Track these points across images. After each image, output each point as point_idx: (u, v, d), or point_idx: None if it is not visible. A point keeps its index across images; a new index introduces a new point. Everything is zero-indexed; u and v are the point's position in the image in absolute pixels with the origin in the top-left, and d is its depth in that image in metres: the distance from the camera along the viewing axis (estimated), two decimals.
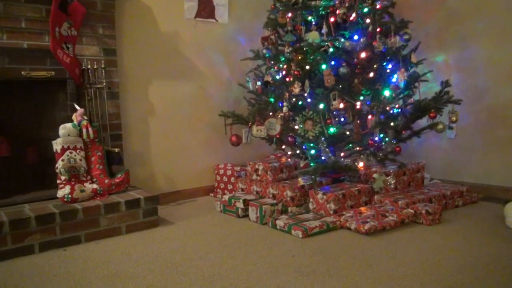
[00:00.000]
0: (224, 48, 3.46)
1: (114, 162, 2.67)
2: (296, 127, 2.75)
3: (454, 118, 2.75)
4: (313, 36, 2.67)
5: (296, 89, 2.68)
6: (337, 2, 2.68)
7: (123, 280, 1.78)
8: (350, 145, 2.83)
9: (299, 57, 2.76)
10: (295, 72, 2.71)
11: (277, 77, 2.90)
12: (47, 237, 2.15)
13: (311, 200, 2.64)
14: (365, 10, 2.69)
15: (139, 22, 3.00)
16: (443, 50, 3.28)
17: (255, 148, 3.66)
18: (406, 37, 2.70)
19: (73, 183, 2.40)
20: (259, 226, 2.51)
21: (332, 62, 2.68)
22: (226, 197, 2.81)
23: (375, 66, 2.74)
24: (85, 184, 2.44)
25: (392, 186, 2.84)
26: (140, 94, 3.04)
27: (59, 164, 2.39)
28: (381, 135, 2.70)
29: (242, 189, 3.04)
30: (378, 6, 2.72)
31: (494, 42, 2.99)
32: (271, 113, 2.85)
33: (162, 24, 3.10)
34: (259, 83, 3.11)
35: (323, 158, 2.72)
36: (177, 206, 3.07)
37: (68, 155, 2.41)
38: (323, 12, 2.81)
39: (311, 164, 2.77)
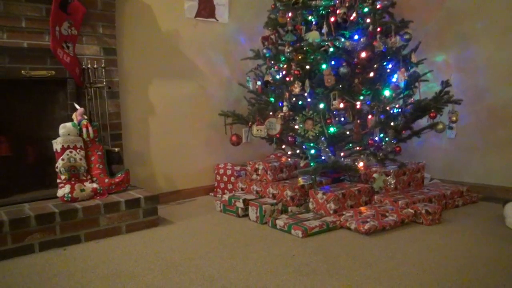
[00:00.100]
0: (224, 48, 3.45)
1: (114, 161, 2.67)
2: (296, 126, 2.75)
3: (454, 118, 2.75)
4: (313, 36, 2.67)
5: (296, 89, 2.68)
6: (337, 1, 2.68)
7: (123, 279, 1.78)
8: (350, 145, 2.84)
9: (299, 57, 2.76)
10: (295, 72, 2.71)
11: (277, 76, 2.90)
12: (47, 237, 2.15)
13: (311, 199, 2.64)
14: (366, 10, 2.69)
15: (139, 21, 3.00)
16: (443, 50, 3.28)
17: (255, 147, 3.66)
18: (406, 37, 2.70)
19: (73, 182, 2.40)
20: (259, 226, 2.51)
21: (332, 62, 2.68)
22: (226, 197, 2.81)
23: (375, 66, 2.74)
24: (85, 183, 2.44)
25: (392, 186, 2.84)
26: (140, 93, 3.04)
27: (59, 164, 2.39)
28: (381, 135, 2.70)
29: (242, 189, 3.04)
30: (378, 6, 2.72)
31: (494, 42, 2.99)
32: (271, 113, 2.85)
33: (162, 23, 3.10)
34: (259, 82, 3.11)
35: (323, 157, 2.72)
36: (177, 206, 3.07)
37: (68, 155, 2.41)
38: (323, 12, 2.81)
39: (311, 163, 2.77)
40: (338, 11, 2.64)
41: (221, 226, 2.53)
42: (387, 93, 2.70)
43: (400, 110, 2.78)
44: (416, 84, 2.83)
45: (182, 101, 3.25)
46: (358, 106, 2.68)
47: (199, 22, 3.30)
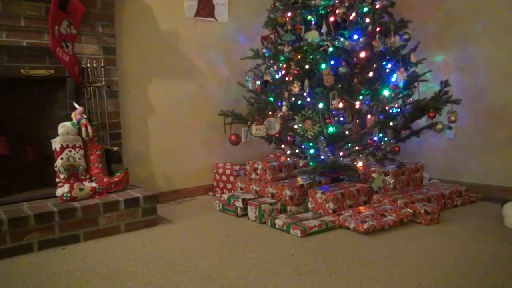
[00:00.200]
0: (223, 47, 3.45)
1: (113, 160, 2.67)
2: (295, 126, 2.75)
3: (453, 118, 2.76)
4: (312, 36, 2.67)
5: (296, 89, 2.68)
6: (336, 1, 2.68)
7: (122, 278, 1.78)
8: (349, 144, 2.84)
9: (299, 57, 2.76)
10: (295, 72, 2.71)
11: (277, 76, 2.90)
12: (46, 236, 2.15)
13: (310, 199, 2.64)
14: (365, 9, 2.69)
15: (138, 20, 2.99)
16: (442, 50, 3.28)
17: (254, 147, 3.66)
18: (405, 36, 2.71)
19: (72, 181, 2.40)
20: (258, 225, 2.51)
21: (332, 62, 2.68)
22: (225, 196, 2.81)
23: (374, 65, 2.74)
24: (84, 182, 2.44)
25: (391, 186, 2.84)
26: (139, 92, 3.04)
27: (58, 163, 2.39)
28: (380, 135, 2.70)
29: (241, 188, 3.04)
30: (377, 6, 2.72)
31: (494, 42, 2.99)
32: (270, 113, 2.85)
33: (161, 23, 3.10)
34: (258, 82, 3.11)
35: (322, 157, 2.72)
36: (176, 205, 3.07)
37: (67, 154, 2.41)
38: (322, 12, 2.81)
39: (310, 163, 2.77)
40: (337, 11, 2.64)
41: (220, 225, 2.53)
42: (386, 93, 2.70)
43: (399, 110, 2.78)
44: (415, 84, 2.84)
45: (181, 100, 3.25)
46: (357, 106, 2.68)
47: (199, 21, 3.30)
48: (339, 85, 2.65)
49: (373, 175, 2.79)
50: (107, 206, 2.34)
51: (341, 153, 2.89)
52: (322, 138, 2.65)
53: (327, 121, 2.65)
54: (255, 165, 2.98)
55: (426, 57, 3.16)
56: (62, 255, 2.07)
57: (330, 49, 2.63)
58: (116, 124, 2.87)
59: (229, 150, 3.47)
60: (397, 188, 2.89)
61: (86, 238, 2.28)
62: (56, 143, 2.41)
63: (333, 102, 2.57)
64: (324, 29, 2.66)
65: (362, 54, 2.60)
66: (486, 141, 3.08)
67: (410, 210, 2.45)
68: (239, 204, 2.70)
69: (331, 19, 2.67)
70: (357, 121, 2.66)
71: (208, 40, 3.36)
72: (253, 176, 3.01)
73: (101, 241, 2.27)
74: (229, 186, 3.24)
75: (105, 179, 2.53)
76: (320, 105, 2.68)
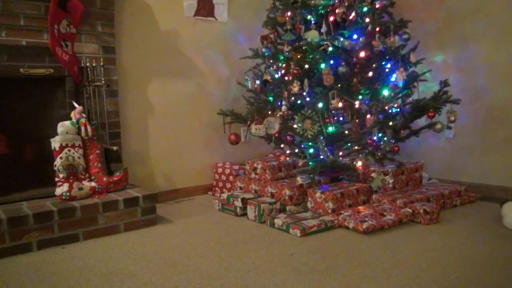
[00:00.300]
0: (223, 47, 3.45)
1: (112, 160, 2.67)
2: (295, 126, 2.75)
3: (452, 118, 2.76)
4: (312, 35, 2.67)
5: (295, 88, 2.68)
6: (336, 1, 2.68)
7: (121, 278, 1.78)
8: (349, 144, 2.84)
9: (298, 56, 2.76)
10: (294, 71, 2.71)
11: (276, 76, 2.90)
12: (45, 235, 2.15)
13: (309, 199, 2.64)
14: (365, 9, 2.69)
15: (138, 20, 2.99)
16: (442, 49, 3.29)
17: (254, 146, 3.66)
18: (405, 36, 2.71)
19: (71, 181, 2.40)
20: (257, 225, 2.51)
21: (331, 61, 2.68)
22: (224, 196, 2.81)
23: (374, 65, 2.74)
24: (83, 182, 2.44)
25: (390, 185, 2.85)
26: (139, 92, 3.04)
27: (58, 162, 2.39)
28: (380, 135, 2.70)
29: (241, 188, 3.04)
30: (377, 6, 2.72)
31: (493, 42, 2.99)
32: (270, 112, 2.85)
33: (161, 22, 3.10)
34: (258, 81, 3.11)
35: (321, 157, 2.72)
36: (175, 205, 3.07)
37: (66, 153, 2.41)
38: (322, 11, 2.81)
39: (310, 163, 2.77)
40: (337, 11, 2.64)
41: (220, 225, 2.53)
42: (385, 92, 2.70)
43: (398, 109, 2.78)
44: (415, 83, 2.84)
45: (181, 100, 3.25)
46: (356, 106, 2.68)
47: (198, 21, 3.30)
48: (339, 85, 2.65)
49: (373, 174, 2.79)
50: (106, 206, 2.34)
51: (340, 153, 2.89)
52: (321, 137, 2.65)
53: (327, 120, 2.65)
54: (255, 165, 2.98)
55: (425, 57, 3.16)
56: (61, 254, 2.07)
57: (330, 48, 2.63)
58: (116, 124, 2.87)
59: (228, 150, 3.47)
60: (397, 188, 2.89)
61: (86, 238, 2.28)
62: (55, 142, 2.41)
63: (332, 101, 2.57)
64: (323, 29, 2.66)
65: (362, 54, 2.60)
66: (485, 141, 3.08)
67: (410, 210, 2.45)
68: (238, 203, 2.70)
69: (331, 18, 2.67)
70: (357, 120, 2.66)
71: (208, 39, 3.36)
72: (253, 175, 3.01)
73: (101, 240, 2.27)
74: (228, 185, 3.24)
75: (105, 179, 2.53)
76: (320, 105, 2.68)
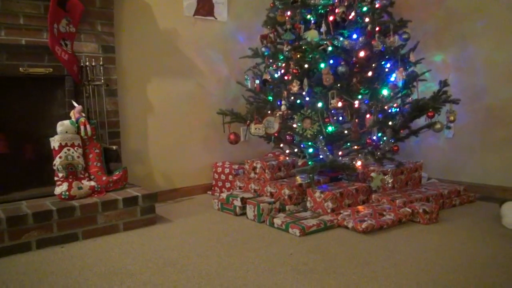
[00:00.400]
0: (223, 46, 3.45)
1: (112, 159, 2.67)
2: (295, 125, 2.75)
3: (452, 118, 2.76)
4: (312, 35, 2.67)
5: (295, 88, 2.68)
6: (336, 1, 2.68)
7: (120, 277, 1.78)
8: (348, 144, 2.84)
9: (298, 56, 2.76)
10: (294, 71, 2.71)
11: (276, 75, 2.90)
12: (45, 234, 2.15)
13: (308, 198, 2.64)
14: (364, 9, 2.69)
15: (138, 19, 2.99)
16: (441, 49, 3.29)
17: (253, 146, 3.66)
18: (405, 36, 2.71)
19: (70, 180, 2.40)
20: (257, 224, 2.51)
21: (331, 61, 2.68)
22: (223, 195, 2.81)
23: (373, 65, 2.74)
24: (82, 181, 2.44)
25: (389, 185, 2.85)
26: (138, 91, 3.04)
27: (57, 161, 2.38)
28: (379, 134, 2.70)
29: (240, 187, 3.04)
30: (377, 5, 2.72)
31: (493, 42, 2.99)
32: (269, 112, 2.85)
33: (161, 21, 3.10)
34: (257, 81, 3.11)
35: (321, 156, 2.72)
36: (175, 204, 3.07)
37: (65, 152, 2.41)
38: (322, 11, 2.81)
39: (309, 162, 2.77)
40: (337, 10, 2.64)
41: (219, 224, 2.53)
42: (385, 92, 2.71)
43: (398, 109, 2.78)
44: (414, 83, 2.84)
45: (180, 99, 3.25)
46: (356, 105, 2.68)
47: (198, 20, 3.30)
48: (338, 85, 2.65)
49: (372, 174, 2.80)
50: (105, 205, 2.34)
51: (340, 153, 2.89)
52: (321, 137, 2.65)
53: (326, 120, 2.65)
54: (254, 164, 2.98)
55: (425, 56, 3.16)
56: (60, 253, 2.07)
57: (330, 48, 2.63)
58: (115, 123, 2.86)
59: (228, 149, 3.47)
60: (396, 188, 2.89)
61: (85, 237, 2.28)
62: (54, 142, 2.41)
63: (332, 101, 2.57)
64: (323, 28, 2.66)
65: (361, 54, 2.60)
66: (484, 141, 3.09)
67: (409, 210, 2.45)
68: (237, 203, 2.70)
69: (331, 18, 2.67)
70: (356, 120, 2.66)
71: (207, 39, 3.36)
72: (252, 175, 3.01)
73: (100, 239, 2.27)
74: (227, 185, 3.24)
75: (104, 178, 2.53)
76: (319, 104, 2.68)
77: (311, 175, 2.69)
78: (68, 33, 2.51)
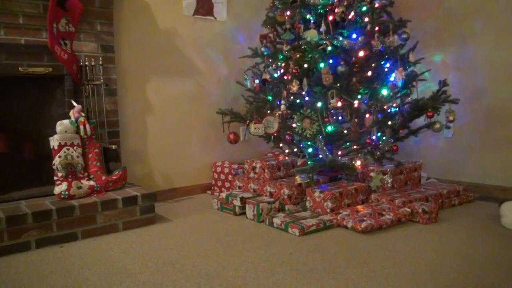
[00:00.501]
0: (222, 46, 3.45)
1: (111, 159, 2.67)
2: (294, 125, 2.75)
3: (451, 118, 2.76)
4: (311, 35, 2.67)
5: (294, 87, 2.68)
6: (335, 0, 2.68)
7: (120, 277, 1.78)
8: (348, 143, 2.84)
9: (298, 55, 2.76)
10: (293, 70, 2.71)
11: (275, 75, 2.90)
12: (44, 234, 2.15)
13: (308, 198, 2.64)
14: (364, 9, 2.69)
15: (137, 19, 2.99)
16: (441, 49, 3.29)
17: (253, 146, 3.66)
18: (404, 36, 2.71)
19: (70, 179, 2.40)
20: (256, 224, 2.51)
21: (330, 61, 2.68)
22: (223, 195, 2.81)
23: (373, 65, 2.74)
24: (82, 180, 2.44)
25: (389, 185, 2.85)
26: (138, 91, 3.04)
27: (56, 161, 2.38)
28: (379, 134, 2.70)
29: (239, 187, 3.04)
30: (376, 5, 2.72)
31: (492, 41, 2.99)
32: (269, 111, 2.85)
33: (160, 21, 3.10)
34: (257, 81, 3.11)
35: (320, 156, 2.72)
36: (174, 204, 3.07)
37: (65, 152, 2.41)
38: (321, 11, 2.81)
39: (309, 162, 2.77)
40: (336, 10, 2.64)
41: (218, 224, 2.53)
42: (384, 92, 2.71)
43: (397, 109, 2.79)
44: (414, 83, 2.84)
45: (180, 99, 3.25)
46: (355, 105, 2.69)
47: (197, 20, 3.30)
48: (338, 84, 2.65)
49: (371, 174, 2.80)
50: (105, 204, 2.34)
51: (339, 152, 2.89)
52: (320, 137, 2.65)
53: (326, 120, 2.65)
54: (254, 164, 2.98)
55: (424, 56, 3.16)
56: (60, 253, 2.07)
57: (329, 48, 2.63)
58: (114, 122, 2.86)
59: (227, 149, 3.47)
60: (395, 187, 2.89)
61: (84, 236, 2.28)
62: (54, 141, 2.41)
63: (331, 101, 2.57)
64: (323, 28, 2.66)
65: (361, 53, 2.60)
66: (484, 141, 3.09)
67: (408, 209, 2.45)
68: (237, 202, 2.70)
69: (330, 18, 2.67)
70: (356, 120, 2.66)
71: (207, 38, 3.36)
72: (252, 174, 3.01)
73: (99, 239, 2.27)
74: (227, 184, 3.24)
75: (103, 177, 2.53)
76: (319, 104, 2.68)
77: (310, 175, 2.70)
78: (67, 33, 2.50)
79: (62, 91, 2.63)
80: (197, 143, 3.37)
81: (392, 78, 2.71)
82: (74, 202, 2.28)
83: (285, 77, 2.82)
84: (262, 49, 3.01)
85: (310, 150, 2.83)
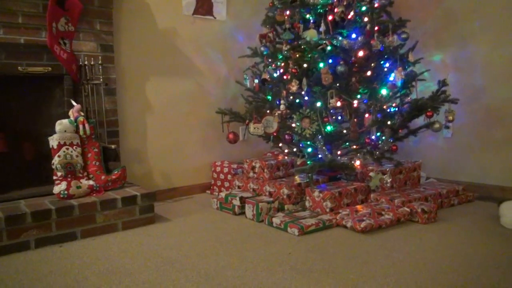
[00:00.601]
0: (222, 45, 3.45)
1: (110, 158, 2.67)
2: (293, 125, 2.75)
3: (450, 117, 2.76)
4: (311, 34, 2.67)
5: (294, 87, 2.68)
6: (335, 0, 2.68)
7: (119, 276, 1.78)
8: (347, 143, 2.84)
9: (297, 55, 2.76)
10: (293, 70, 2.71)
11: (275, 75, 2.90)
12: (43, 233, 2.15)
13: (307, 198, 2.64)
14: (363, 8, 2.69)
15: (137, 18, 2.99)
16: (440, 49, 3.29)
17: (252, 145, 3.66)
18: (403, 36, 2.71)
19: (69, 179, 2.40)
20: (256, 224, 2.51)
21: (330, 61, 2.68)
22: (222, 195, 2.81)
23: (372, 64, 2.74)
24: (81, 180, 2.44)
25: (388, 185, 2.85)
26: (137, 90, 3.04)
27: (55, 160, 2.38)
28: (378, 134, 2.70)
29: (239, 187, 3.04)
30: (376, 5, 2.72)
31: (492, 41, 2.99)
32: (268, 111, 2.85)
33: (159, 20, 3.10)
34: (256, 80, 3.11)
35: (320, 156, 2.72)
36: (173, 203, 3.07)
37: (64, 151, 2.40)
38: (321, 10, 2.81)
39: (308, 162, 2.77)
40: (336, 10, 2.64)
41: (218, 223, 2.53)
42: (384, 92, 2.71)
43: (397, 109, 2.78)
44: (413, 83, 2.84)
45: (179, 98, 3.25)
46: (355, 105, 2.69)
47: (197, 19, 3.30)
48: (337, 84, 2.65)
49: (371, 174, 2.80)
50: (104, 204, 2.34)
51: (338, 152, 2.89)
52: (320, 136, 2.65)
53: (325, 120, 2.65)
54: (253, 164, 2.98)
55: (424, 56, 3.16)
56: (59, 252, 2.07)
57: (329, 48, 2.63)
58: (114, 122, 2.86)
59: (227, 149, 3.46)
60: (395, 187, 2.89)
61: (83, 236, 2.27)
62: (53, 141, 2.41)
63: (331, 100, 2.57)
64: (322, 28, 2.66)
65: (360, 53, 2.60)
66: (483, 141, 3.09)
67: (407, 209, 2.46)
68: (236, 202, 2.70)
69: (330, 17, 2.67)
70: (355, 120, 2.67)
71: (206, 38, 3.36)
72: (251, 174, 3.01)
73: (98, 239, 2.27)
74: (226, 184, 3.24)
75: (103, 177, 2.53)
76: (318, 104, 2.68)
77: (310, 175, 2.70)
78: (67, 32, 2.50)
79: (62, 90, 2.63)
80: (196, 143, 3.37)
81: (391, 78, 2.71)
82: (73, 202, 2.28)
83: (285, 77, 2.82)
84: (262, 48, 3.01)
85: (309, 149, 2.83)
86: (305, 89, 2.68)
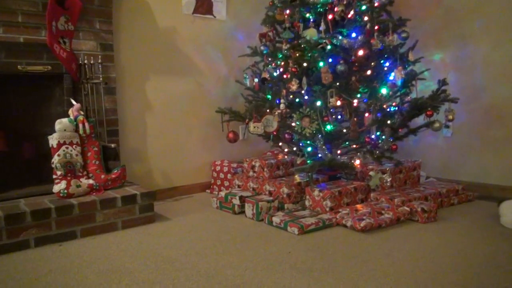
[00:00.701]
0: (221, 45, 3.45)
1: (110, 157, 2.67)
2: (293, 124, 2.75)
3: (450, 117, 2.76)
4: (311, 33, 2.67)
5: (294, 86, 2.68)
6: None
7: (119, 275, 1.78)
8: (347, 142, 2.84)
9: (297, 54, 2.76)
10: (293, 69, 2.71)
11: (275, 74, 2.90)
12: (43, 232, 2.15)
13: (307, 197, 2.64)
14: (363, 7, 2.69)
15: (136, 17, 2.98)
16: (440, 48, 3.29)
17: (252, 145, 3.66)
18: (403, 35, 2.71)
19: (69, 178, 2.40)
20: (255, 223, 2.51)
21: (330, 60, 2.68)
22: (222, 194, 2.81)
23: (372, 64, 2.74)
24: (81, 179, 2.44)
25: (388, 184, 2.85)
26: (137, 89, 3.04)
27: (55, 159, 2.38)
28: (378, 133, 2.70)
29: (239, 186, 3.04)
30: (376, 4, 2.72)
31: (492, 41, 2.99)
32: (268, 110, 2.85)
33: (159, 19, 3.09)
34: (256, 79, 3.11)
35: (319, 155, 2.72)
36: (173, 202, 3.07)
37: (64, 150, 2.40)
38: (321, 9, 2.81)
39: (308, 161, 2.77)
40: (336, 9, 2.64)
41: (218, 223, 2.53)
42: (384, 91, 2.70)
43: (397, 108, 2.78)
44: (413, 82, 2.84)
45: (179, 97, 3.25)
46: (355, 104, 2.68)
47: (197, 18, 3.29)
48: (337, 83, 2.65)
49: (371, 173, 2.80)
50: (104, 203, 2.34)
51: (338, 151, 2.89)
52: (319, 136, 2.65)
53: (325, 119, 2.64)
54: (253, 163, 2.98)
55: (424, 55, 3.16)
56: (58, 251, 2.07)
57: (328, 47, 2.63)
58: (114, 121, 2.86)
59: (226, 148, 3.46)
60: (394, 186, 2.89)
61: (83, 235, 2.27)
62: (53, 140, 2.40)
63: (331, 100, 2.57)
64: (322, 27, 2.66)
65: (360, 52, 2.60)
66: (483, 140, 3.09)
67: (407, 208, 2.46)
68: (236, 201, 2.70)
69: (330, 17, 2.67)
70: (355, 119, 2.66)
71: (206, 37, 3.35)
72: (251, 173, 3.01)
73: (98, 238, 2.27)
74: (226, 183, 3.24)
75: (102, 176, 2.53)
76: (318, 103, 2.68)
77: (309, 174, 2.69)
78: (66, 31, 2.50)
79: (61, 89, 2.63)
80: (196, 142, 3.37)
81: (391, 77, 2.71)
82: (73, 201, 2.28)
83: (285, 76, 2.82)
84: (262, 48, 3.01)
85: (309, 149, 2.83)
86: (305, 88, 2.68)
